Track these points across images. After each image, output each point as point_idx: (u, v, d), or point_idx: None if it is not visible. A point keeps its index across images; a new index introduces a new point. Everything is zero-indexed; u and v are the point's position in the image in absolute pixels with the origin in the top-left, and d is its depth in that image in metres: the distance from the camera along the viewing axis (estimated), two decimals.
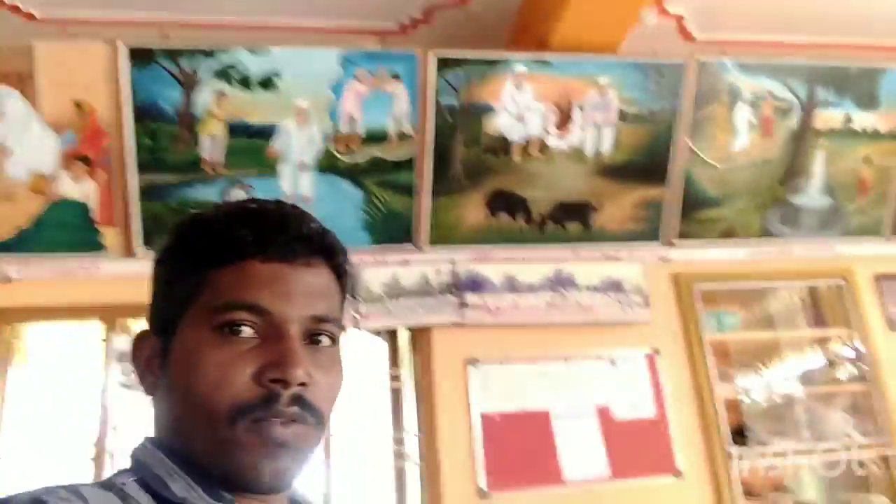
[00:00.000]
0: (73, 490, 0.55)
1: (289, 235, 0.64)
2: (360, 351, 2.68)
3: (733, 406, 2.76)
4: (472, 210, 2.64)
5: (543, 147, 2.63)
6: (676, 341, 2.71)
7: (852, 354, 2.78)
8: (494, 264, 2.66)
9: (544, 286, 2.67)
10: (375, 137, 2.51)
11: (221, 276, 0.62)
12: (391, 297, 2.56)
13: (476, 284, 2.63)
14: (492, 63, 2.51)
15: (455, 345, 2.58)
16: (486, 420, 2.50)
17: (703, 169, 2.75)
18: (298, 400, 0.60)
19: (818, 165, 2.83)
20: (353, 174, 2.53)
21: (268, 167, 2.46)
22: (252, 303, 0.61)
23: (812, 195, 2.86)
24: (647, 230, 2.79)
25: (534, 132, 2.62)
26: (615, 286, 2.71)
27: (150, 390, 0.66)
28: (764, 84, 2.72)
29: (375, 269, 2.58)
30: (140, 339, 0.68)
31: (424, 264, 2.63)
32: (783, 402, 2.77)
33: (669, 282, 2.80)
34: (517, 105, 2.58)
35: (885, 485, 2.65)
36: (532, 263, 2.69)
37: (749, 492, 2.60)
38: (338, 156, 2.51)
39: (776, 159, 2.80)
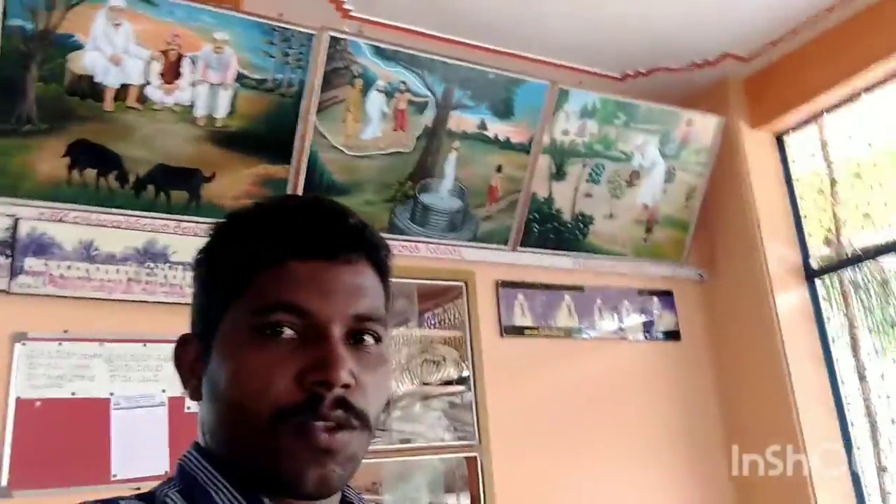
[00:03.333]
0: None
1: (328, 232, 0.62)
2: None
3: None
4: (48, 159, 2.23)
5: (143, 98, 2.30)
6: None
7: (456, 356, 2.80)
8: (70, 225, 2.28)
9: (131, 258, 2.34)
10: None
11: (260, 276, 0.60)
12: None
13: (41, 247, 2.23)
14: None
15: (1, 316, 2.16)
16: (21, 406, 2.11)
17: (331, 153, 2.60)
18: (342, 403, 0.58)
19: (450, 167, 2.81)
20: None
21: None
22: (292, 303, 0.59)
23: (443, 196, 2.84)
24: None
25: (133, 80, 2.28)
26: None
27: (194, 395, 0.64)
28: (400, 75, 2.63)
29: None
30: (182, 343, 0.66)
31: None
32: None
33: None
34: (113, 45, 2.23)
35: (473, 486, 2.69)
36: (120, 230, 2.35)
37: None
38: None
39: (408, 154, 2.73)
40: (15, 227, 2.21)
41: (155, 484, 0.61)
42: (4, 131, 2.16)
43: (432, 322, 2.91)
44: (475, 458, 2.69)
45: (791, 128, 3.29)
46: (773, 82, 3.21)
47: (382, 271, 0.66)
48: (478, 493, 2.65)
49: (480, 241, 2.93)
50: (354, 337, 0.61)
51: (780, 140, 3.34)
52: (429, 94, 2.69)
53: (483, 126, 2.81)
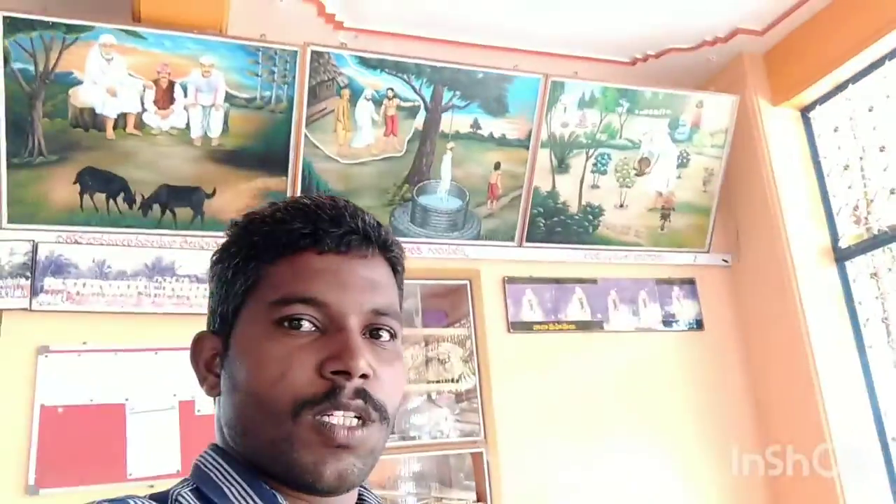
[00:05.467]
0: (123, 502, 0.55)
1: (343, 229, 0.63)
2: None
3: None
4: (60, 188, 2.45)
5: (141, 124, 2.47)
6: None
7: (462, 354, 2.84)
8: (84, 246, 2.49)
9: (141, 273, 2.53)
10: None
11: (278, 270, 0.62)
12: None
13: (59, 268, 2.45)
14: (71, 29, 2.32)
15: (25, 332, 2.39)
16: (45, 412, 2.34)
17: (325, 163, 2.70)
18: (361, 393, 0.59)
19: (446, 167, 2.85)
20: None
21: None
22: (310, 296, 0.60)
23: (441, 196, 2.88)
24: None
25: (130, 109, 2.45)
26: None
27: (211, 391, 0.65)
28: (387, 82, 2.69)
29: None
30: (198, 340, 0.67)
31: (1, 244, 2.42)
32: None
33: None
34: (108, 78, 2.41)
35: (479, 481, 2.73)
36: (130, 248, 2.54)
37: None
38: None
39: (402, 158, 2.79)
40: (34, 250, 2.44)
41: (168, 481, 0.62)
42: (19, 165, 2.39)
43: (438, 321, 2.96)
44: (481, 453, 2.73)
45: (816, 101, 3.11)
46: (794, 55, 3.05)
47: (396, 268, 0.67)
48: (484, 488, 2.70)
49: (485, 239, 2.96)
50: (371, 332, 0.62)
51: (806, 116, 3.17)
52: (418, 98, 2.74)
53: (476, 125, 2.83)
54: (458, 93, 2.77)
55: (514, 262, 3.00)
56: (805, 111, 3.17)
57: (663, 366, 3.09)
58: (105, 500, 0.54)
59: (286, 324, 0.60)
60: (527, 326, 2.96)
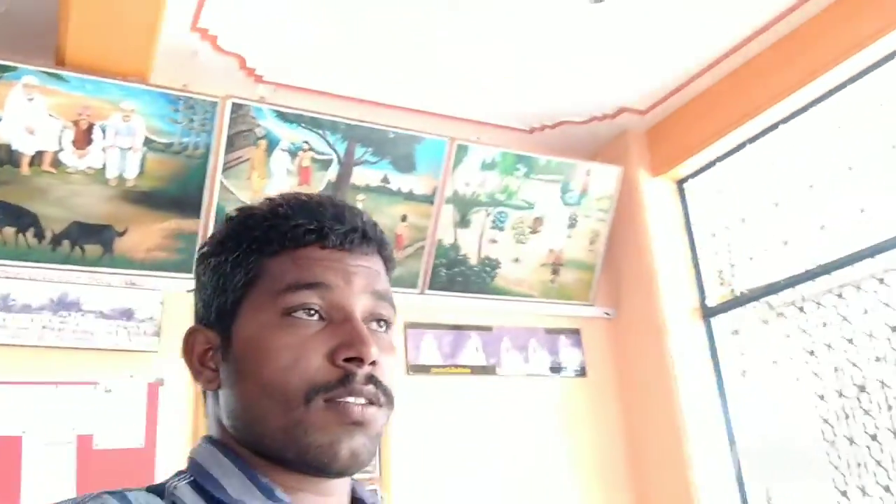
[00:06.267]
0: (120, 495, 0.55)
1: (347, 226, 0.65)
2: None
3: None
4: None
5: (57, 163, 2.54)
6: (185, 373, 2.73)
7: None
8: None
9: (45, 307, 2.57)
10: None
11: (280, 262, 0.63)
12: None
13: None
14: None
15: None
16: None
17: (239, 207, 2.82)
18: (372, 379, 0.61)
19: None
20: None
21: None
22: (316, 281, 0.62)
23: None
24: (179, 261, 2.79)
25: (48, 147, 2.52)
26: (126, 314, 2.68)
27: (208, 385, 0.65)
28: (303, 135, 2.87)
29: None
30: (191, 334, 0.67)
31: None
32: None
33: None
34: (27, 116, 2.47)
35: None
36: (37, 282, 2.58)
37: None
38: None
39: None
40: None
41: None
42: None
43: None
44: (375, 490, 2.87)
45: (690, 175, 3.50)
46: (671, 133, 3.43)
47: (388, 267, 0.71)
48: None
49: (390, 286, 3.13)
50: (370, 321, 0.65)
51: (681, 187, 3.55)
52: (332, 152, 2.92)
53: (386, 180, 3.03)
54: (370, 149, 2.98)
55: (416, 309, 3.19)
56: (680, 183, 3.55)
57: (550, 410, 3.33)
58: (104, 492, 0.56)
59: (294, 313, 0.62)
60: (425, 369, 3.14)
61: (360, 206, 2.88)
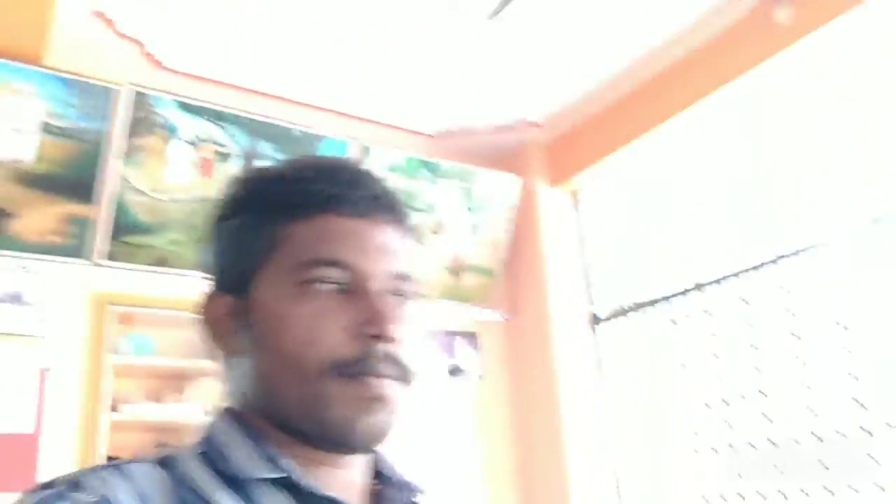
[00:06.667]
0: (118, 469, 0.53)
1: (364, 192, 0.63)
2: None
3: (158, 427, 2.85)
4: None
5: None
6: (80, 360, 2.72)
7: None
8: None
9: None
10: None
11: (300, 230, 0.61)
12: None
13: None
14: None
15: None
16: None
17: (136, 195, 2.84)
18: (391, 357, 0.59)
19: None
20: None
21: None
22: (337, 259, 0.60)
23: None
24: (72, 246, 2.78)
25: None
26: (15, 297, 2.65)
27: (229, 352, 0.63)
28: (205, 127, 2.91)
29: None
30: (210, 300, 0.64)
31: None
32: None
33: (87, 301, 2.82)
34: None
35: None
36: None
37: None
38: None
39: (214, 199, 2.98)
40: None
41: None
42: None
43: None
44: None
45: (585, 187, 3.68)
46: (569, 146, 3.61)
47: (411, 233, 0.67)
48: None
49: None
50: (393, 295, 0.62)
51: (576, 198, 3.73)
52: (233, 145, 2.97)
53: None
54: (273, 145, 3.04)
55: None
56: (576, 195, 3.73)
57: (445, 410, 3.43)
58: (103, 466, 0.55)
59: (314, 285, 0.59)
60: None
61: None
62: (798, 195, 2.84)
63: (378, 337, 0.59)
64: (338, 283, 0.60)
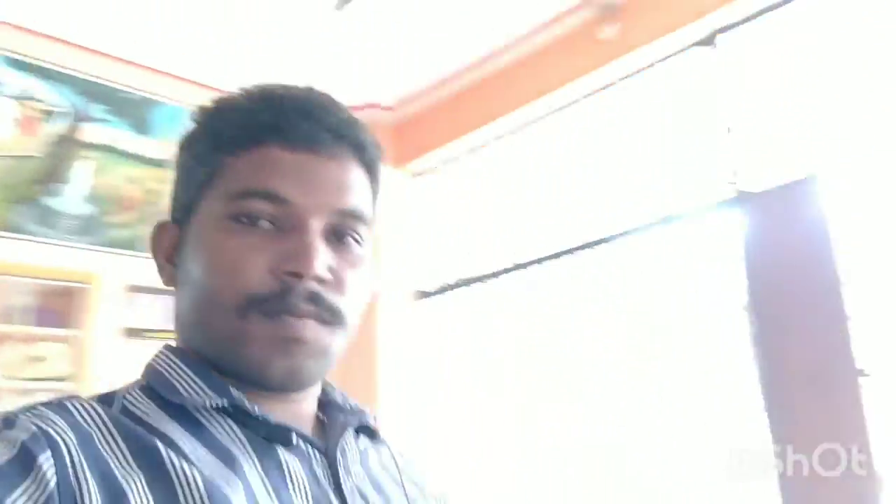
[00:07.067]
0: (60, 405, 0.51)
1: (314, 123, 0.59)
2: None
3: None
4: None
5: None
6: None
7: (68, 354, 2.97)
8: None
9: None
10: None
11: (239, 161, 0.58)
12: None
13: None
14: None
15: None
16: None
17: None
18: (315, 297, 0.56)
19: (82, 175, 2.95)
20: None
21: None
22: (270, 191, 0.56)
23: (73, 201, 2.97)
24: None
25: None
26: None
27: (169, 282, 0.62)
28: (32, 84, 2.72)
29: None
30: (159, 228, 0.63)
31: None
32: None
33: None
34: None
35: None
36: None
37: None
38: None
39: (37, 159, 2.83)
40: None
41: None
42: None
43: (53, 321, 3.03)
44: None
45: (426, 170, 3.84)
46: (413, 130, 3.74)
47: (371, 171, 0.64)
48: None
49: (111, 247, 3.11)
50: (337, 234, 0.59)
51: (418, 180, 3.88)
52: (62, 105, 2.81)
53: (117, 139, 2.98)
54: (105, 107, 2.90)
55: (140, 272, 3.18)
56: (416, 176, 3.88)
57: None
58: (45, 403, 0.52)
59: (243, 219, 0.57)
60: (139, 333, 3.16)
61: (85, 163, 2.85)
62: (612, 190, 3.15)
63: (297, 274, 0.55)
64: (270, 219, 0.57)
